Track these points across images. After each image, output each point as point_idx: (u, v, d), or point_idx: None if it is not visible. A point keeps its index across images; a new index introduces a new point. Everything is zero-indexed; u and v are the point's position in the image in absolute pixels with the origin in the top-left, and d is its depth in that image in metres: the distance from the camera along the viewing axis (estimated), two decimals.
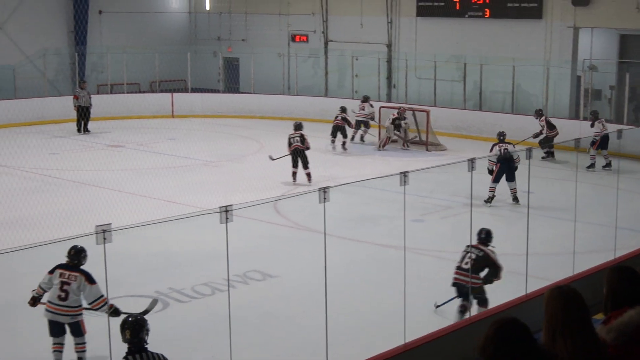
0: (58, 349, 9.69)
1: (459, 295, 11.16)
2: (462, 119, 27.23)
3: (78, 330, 9.66)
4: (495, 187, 17.88)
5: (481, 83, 28.44)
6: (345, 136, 24.58)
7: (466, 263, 11.16)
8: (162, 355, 7.24)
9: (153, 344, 7.56)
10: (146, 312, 9.34)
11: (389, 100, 30.79)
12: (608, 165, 21.54)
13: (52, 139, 25.86)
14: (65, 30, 33.87)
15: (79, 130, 27.37)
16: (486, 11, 28.54)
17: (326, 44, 33.49)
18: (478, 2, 28.55)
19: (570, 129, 24.30)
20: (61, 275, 9.51)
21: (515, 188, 17.78)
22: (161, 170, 21.62)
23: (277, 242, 15.50)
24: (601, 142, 21.44)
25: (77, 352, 9.73)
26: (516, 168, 17.68)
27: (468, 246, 11.29)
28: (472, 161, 9.74)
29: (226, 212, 7.72)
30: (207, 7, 37.36)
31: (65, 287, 9.46)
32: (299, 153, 20.21)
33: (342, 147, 24.84)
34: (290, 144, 20.36)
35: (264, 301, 12.29)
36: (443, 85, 29.51)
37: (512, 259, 13.59)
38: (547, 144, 22.31)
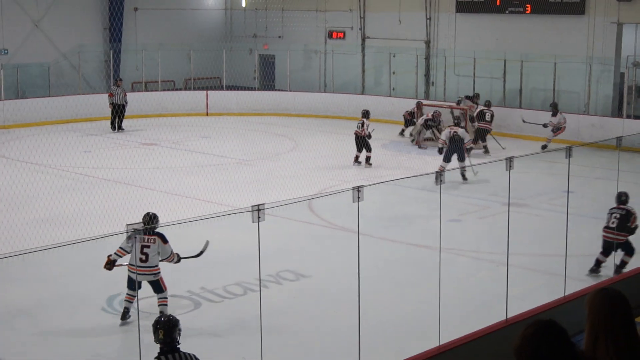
0: (129, 299, 11.00)
1: (604, 251, 12.99)
2: (501, 116, 27.04)
3: (159, 287, 11.01)
4: (444, 167, 19.48)
5: (521, 80, 28.22)
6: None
7: (612, 222, 12.98)
8: (194, 356, 7.26)
9: (185, 344, 7.58)
10: (201, 253, 11.40)
11: (427, 98, 30.65)
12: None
13: (86, 136, 26.06)
14: (100, 27, 34.16)
15: (113, 128, 27.57)
16: (527, 7, 28.34)
17: (363, 40, 33.45)
18: None
19: (612, 127, 24.08)
20: (141, 239, 10.70)
21: (464, 167, 19.86)
22: (194, 169, 21.71)
23: (310, 242, 15.48)
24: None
25: (159, 305, 10.96)
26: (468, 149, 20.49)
27: (611, 208, 13.14)
28: (510, 160, 9.66)
29: (258, 210, 7.73)
30: (243, 4, 37.46)
31: (145, 250, 10.73)
32: (359, 138, 21.94)
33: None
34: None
35: (296, 301, 12.27)
36: (482, 83, 29.33)
37: (551, 260, 13.49)
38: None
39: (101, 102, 27.85)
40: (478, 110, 24.91)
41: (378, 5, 32.79)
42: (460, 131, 20.46)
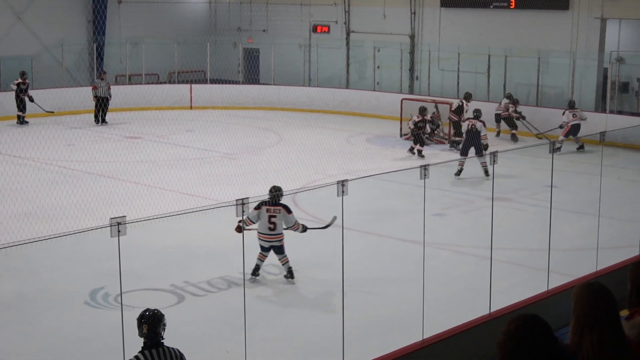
0: (262, 258, 12.40)
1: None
2: (486, 111, 27.03)
3: (281, 250, 12.36)
4: (463, 161, 19.72)
5: (505, 75, 28.28)
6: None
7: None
8: (178, 350, 7.22)
9: (168, 338, 7.55)
10: (328, 225, 12.37)
11: (411, 92, 30.67)
12: (581, 147, 23.06)
13: (69, 130, 25.95)
14: (83, 20, 33.99)
15: (96, 122, 27.47)
16: (511, 2, 28.39)
17: (348, 34, 33.43)
18: None
19: (596, 123, 24.15)
20: (267, 210, 12.06)
21: (485, 162, 19.08)
22: (178, 162, 21.67)
23: (294, 236, 15.45)
24: (572, 130, 23.41)
25: (283, 264, 12.43)
26: (485, 146, 20.07)
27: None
28: (494, 155, 9.69)
29: (242, 204, 7.72)
30: None
31: (272, 219, 12.09)
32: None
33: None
34: None
35: (280, 295, 12.28)
36: (466, 77, 29.37)
37: (534, 255, 13.54)
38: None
39: (85, 95, 27.72)
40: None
41: (363, 0, 32.76)
42: (479, 125, 20.42)
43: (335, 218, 12.29)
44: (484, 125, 20.44)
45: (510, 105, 25.45)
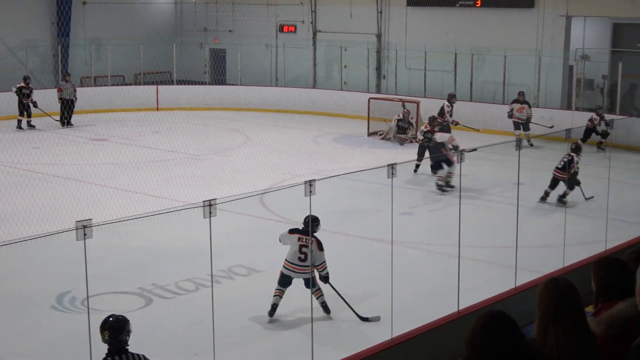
0: (279, 294, 11.11)
1: (551, 186, 17.10)
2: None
3: (313, 282, 10.95)
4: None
5: (472, 73, 28.44)
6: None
7: (561, 163, 16.82)
8: (143, 356, 7.17)
9: (136, 342, 7.52)
10: (367, 319, 10.89)
11: (378, 91, 30.77)
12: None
13: (34, 132, 25.75)
14: (48, 22, 33.72)
15: (62, 124, 27.27)
16: (477, 0, 28.55)
17: (315, 34, 33.45)
18: None
19: (562, 120, 24.36)
20: (299, 239, 10.97)
21: (451, 173, 18.44)
22: (145, 164, 21.55)
23: (262, 236, 15.44)
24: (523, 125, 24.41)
25: (317, 298, 11.01)
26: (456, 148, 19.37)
27: (566, 154, 16.78)
28: (461, 153, 9.73)
29: (209, 206, 7.70)
30: None
31: (304, 249, 10.94)
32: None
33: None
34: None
35: (249, 297, 12.25)
36: (433, 76, 29.51)
37: (502, 252, 13.62)
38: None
39: (50, 98, 27.51)
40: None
41: None
42: (438, 136, 19.63)
43: (378, 317, 10.85)
44: (447, 130, 20.42)
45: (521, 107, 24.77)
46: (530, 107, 24.65)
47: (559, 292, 4.44)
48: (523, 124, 24.32)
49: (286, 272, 11.04)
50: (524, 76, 27.83)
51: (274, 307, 11.09)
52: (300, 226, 11.12)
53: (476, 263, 13.23)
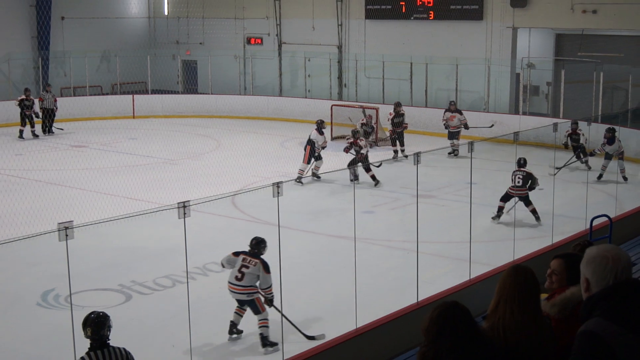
0: (238, 312, 10.42)
1: (503, 199, 15.75)
2: (409, 115, 27.30)
3: (255, 309, 10.20)
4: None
5: (427, 81, 28.58)
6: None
7: (519, 181, 15.46)
8: (124, 349, 7.13)
9: (117, 336, 7.49)
10: (313, 338, 10.10)
11: (340, 98, 30.85)
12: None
13: (17, 140, 25.52)
14: (28, 35, 33.40)
15: (44, 132, 27.02)
16: (430, 13, 28.69)
17: (280, 46, 33.43)
18: (424, 3, 28.70)
19: (510, 123, 24.58)
20: (243, 260, 10.21)
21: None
22: (123, 169, 21.43)
23: (235, 235, 15.42)
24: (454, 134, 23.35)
25: (259, 327, 10.18)
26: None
27: (514, 171, 15.54)
28: (417, 155, 9.79)
29: (184, 207, 7.69)
30: (166, 12, 37.06)
31: (243, 269, 10.15)
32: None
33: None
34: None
35: (223, 292, 12.21)
36: (391, 84, 29.63)
37: (457, 246, 13.72)
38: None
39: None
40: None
41: (293, 13, 32.81)
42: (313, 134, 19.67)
43: (323, 336, 10.17)
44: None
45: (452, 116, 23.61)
46: (461, 113, 23.48)
47: (515, 273, 4.52)
48: (455, 133, 23.30)
49: (230, 294, 10.37)
50: (475, 83, 28.03)
51: (232, 324, 10.44)
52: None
53: (433, 257, 13.31)
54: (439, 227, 15.13)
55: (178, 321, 10.18)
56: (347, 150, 19.09)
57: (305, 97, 31.72)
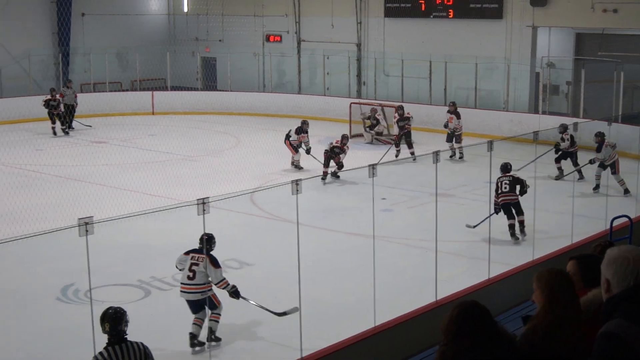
0: (197, 322, 10.10)
1: (508, 215, 14.26)
2: (428, 113, 27.27)
3: (212, 304, 10.04)
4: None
5: (446, 80, 28.50)
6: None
7: (505, 187, 14.24)
8: (142, 344, 7.16)
9: (135, 330, 7.53)
10: (284, 314, 10.05)
11: (359, 97, 30.82)
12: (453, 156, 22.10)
13: (37, 136, 25.66)
14: (49, 32, 33.58)
15: (62, 127, 27.15)
16: (450, 12, 28.61)
17: (299, 43, 33.44)
18: (443, 2, 28.62)
19: (529, 123, 24.47)
20: (192, 257, 10.10)
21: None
22: (142, 165, 21.51)
23: (253, 232, 15.47)
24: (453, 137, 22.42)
25: (210, 320, 10.01)
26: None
27: (499, 177, 14.32)
28: (437, 154, 9.77)
29: (203, 204, 7.71)
30: (185, 9, 37.17)
31: (193, 267, 10.01)
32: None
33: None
34: None
35: (240, 288, 12.24)
36: (410, 82, 29.56)
37: (476, 246, 13.69)
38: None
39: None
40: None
41: (312, 11, 32.81)
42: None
43: (296, 309, 9.88)
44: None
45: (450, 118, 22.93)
46: (459, 118, 22.69)
47: (562, 276, 4.52)
48: (452, 135, 22.56)
49: (182, 296, 10.12)
50: (494, 82, 27.93)
51: (192, 336, 10.06)
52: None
53: (452, 256, 13.29)
54: (458, 225, 15.08)
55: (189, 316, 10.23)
56: (326, 153, 19.58)
57: (324, 95, 31.72)
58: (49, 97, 26.46)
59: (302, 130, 21.30)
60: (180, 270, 10.25)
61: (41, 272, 12.81)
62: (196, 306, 10.08)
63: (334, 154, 19.59)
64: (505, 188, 14.30)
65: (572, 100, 27.56)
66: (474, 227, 14.39)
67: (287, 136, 21.23)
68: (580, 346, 4.44)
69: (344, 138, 19.87)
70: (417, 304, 9.71)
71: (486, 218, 13.30)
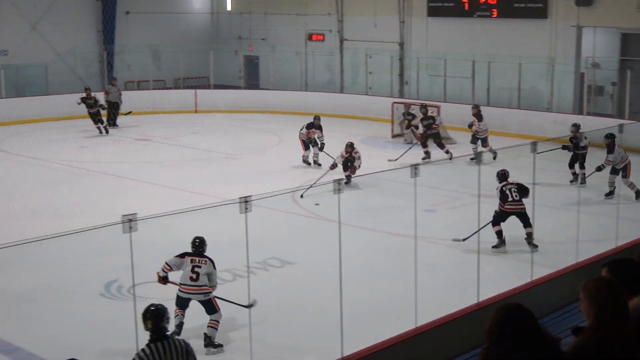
0: (181, 313, 10.31)
1: (524, 223, 13.53)
2: (470, 114, 27.10)
3: (212, 308, 10.22)
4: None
5: (489, 80, 28.31)
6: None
7: (516, 195, 13.71)
8: (184, 341, 7.20)
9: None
10: (249, 306, 9.80)
11: (401, 96, 30.73)
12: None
13: (81, 132, 25.93)
14: (94, 29, 33.95)
15: (108, 124, 27.42)
16: (494, 11, 28.41)
17: (341, 42, 33.43)
18: (487, 1, 28.44)
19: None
20: (192, 260, 10.29)
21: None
22: (185, 163, 21.67)
23: (294, 231, 15.49)
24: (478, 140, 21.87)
25: (208, 327, 10.16)
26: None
27: (503, 185, 13.86)
28: (480, 154, 9.72)
29: (245, 202, 7.74)
30: (229, 8, 37.34)
31: (196, 269, 10.23)
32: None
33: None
34: None
35: (282, 287, 12.29)
36: (453, 82, 29.42)
37: (518, 247, 13.58)
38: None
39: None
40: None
41: (355, 10, 32.78)
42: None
43: (255, 301, 10.01)
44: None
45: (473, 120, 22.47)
46: (480, 120, 22.10)
47: (609, 288, 4.43)
48: (477, 138, 22.15)
49: (183, 295, 10.33)
50: (538, 82, 27.70)
51: (179, 327, 10.27)
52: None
53: (494, 257, 13.21)
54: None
55: (238, 315, 10.28)
56: (333, 167, 18.63)
57: (366, 94, 31.70)
58: (84, 95, 26.40)
59: (312, 125, 21.21)
60: (170, 270, 10.43)
61: (85, 267, 12.95)
62: (185, 304, 10.32)
63: (350, 165, 18.66)
64: (516, 196, 13.76)
65: (617, 102, 27.23)
66: (464, 240, 13.70)
67: (300, 132, 21.23)
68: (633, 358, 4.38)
69: (348, 146, 18.83)
70: (459, 305, 9.65)
71: (477, 230, 12.68)
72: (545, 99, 27.30)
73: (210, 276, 10.35)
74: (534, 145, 10.76)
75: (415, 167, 8.92)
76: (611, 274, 4.94)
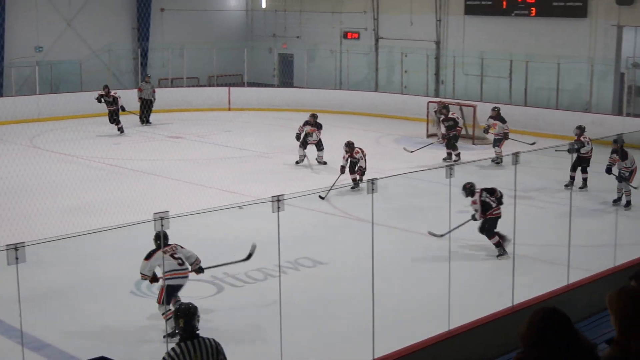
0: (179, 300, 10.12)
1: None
2: (507, 114, 26.87)
3: (167, 300, 10.10)
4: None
5: (527, 79, 28.10)
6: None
7: (493, 200, 13.45)
8: (214, 340, 7.19)
9: (207, 326, 7.59)
10: (249, 256, 10.65)
11: (436, 95, 30.60)
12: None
13: (115, 129, 26.09)
14: (129, 27, 34.20)
15: (141, 122, 27.61)
16: (532, 10, 28.20)
17: (377, 41, 33.36)
18: (525, 1, 28.24)
19: (613, 125, 23.95)
20: (165, 252, 10.11)
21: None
22: (217, 161, 21.72)
23: (327, 231, 15.47)
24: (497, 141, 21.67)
25: (167, 319, 9.87)
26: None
27: (480, 197, 13.46)
28: (516, 155, 9.63)
29: (278, 201, 7.73)
30: (263, 6, 37.41)
31: (176, 255, 10.28)
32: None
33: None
34: None
35: (313, 287, 12.28)
36: (489, 82, 29.24)
37: (555, 250, 13.45)
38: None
39: (131, 97, 27.83)
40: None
41: (391, 8, 32.69)
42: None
43: (253, 246, 10.78)
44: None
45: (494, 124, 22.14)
46: (504, 122, 21.88)
47: (633, 300, 4.33)
48: (496, 140, 21.92)
49: (176, 282, 10.22)
50: (577, 83, 27.44)
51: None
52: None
53: (530, 260, 13.09)
54: (537, 229, 14.83)
55: (269, 314, 10.27)
56: (342, 169, 18.18)
57: (402, 93, 31.60)
58: (101, 92, 26.11)
59: (306, 122, 21.60)
60: (147, 276, 10.37)
61: (117, 264, 13.02)
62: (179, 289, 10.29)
63: (355, 166, 18.39)
64: (494, 201, 13.49)
65: None
66: (441, 236, 13.20)
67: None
68: None
69: (347, 145, 18.50)
70: (493, 308, 9.58)
71: (456, 227, 12.46)
72: (584, 100, 27.04)
73: (189, 258, 10.42)
74: (572, 145, 10.65)
75: (450, 167, 8.87)
76: (639, 284, 4.85)
